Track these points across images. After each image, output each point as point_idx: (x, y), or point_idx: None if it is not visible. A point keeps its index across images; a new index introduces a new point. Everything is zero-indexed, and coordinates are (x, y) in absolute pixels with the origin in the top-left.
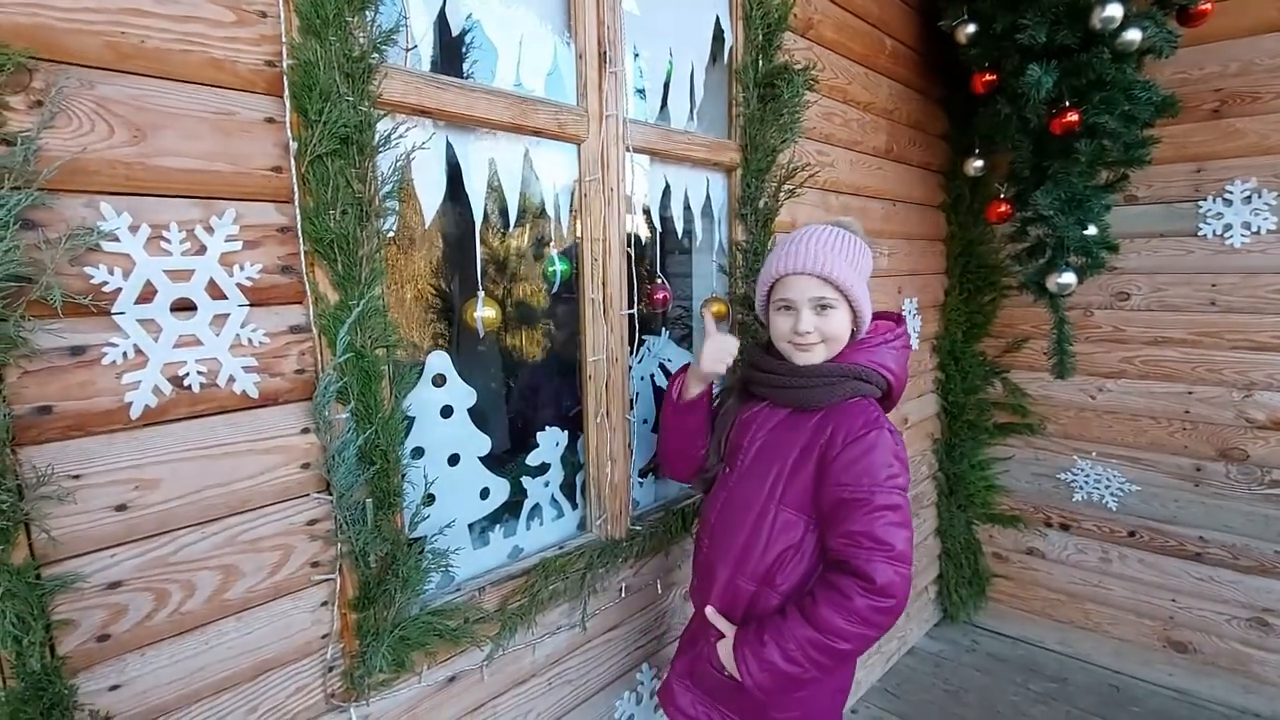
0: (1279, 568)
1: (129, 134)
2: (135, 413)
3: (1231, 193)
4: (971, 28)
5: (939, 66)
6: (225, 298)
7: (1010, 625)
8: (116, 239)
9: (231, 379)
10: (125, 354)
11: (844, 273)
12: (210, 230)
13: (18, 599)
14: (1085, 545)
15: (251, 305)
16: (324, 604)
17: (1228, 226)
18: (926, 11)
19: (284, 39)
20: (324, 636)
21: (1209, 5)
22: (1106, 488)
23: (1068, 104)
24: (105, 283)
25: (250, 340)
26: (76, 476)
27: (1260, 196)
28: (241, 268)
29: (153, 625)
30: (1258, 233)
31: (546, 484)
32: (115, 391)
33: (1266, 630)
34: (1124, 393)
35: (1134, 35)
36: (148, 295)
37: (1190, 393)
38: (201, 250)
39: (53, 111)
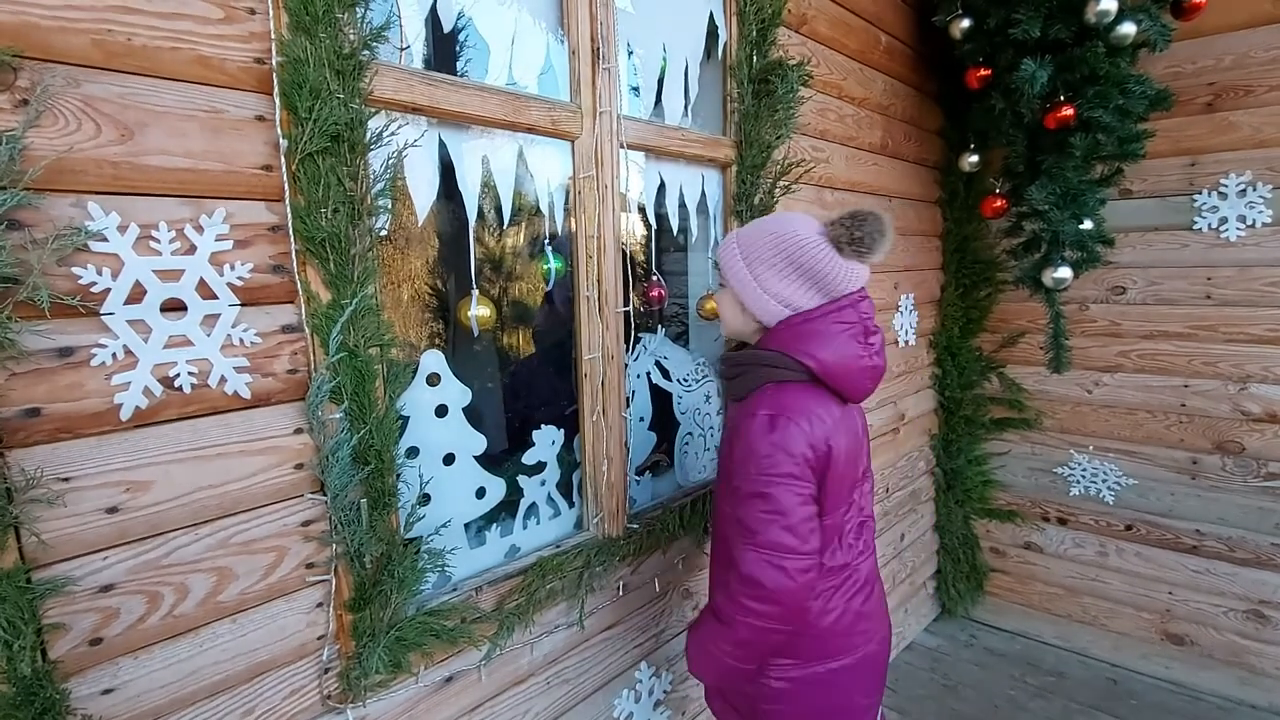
0: (1275, 560)
1: (116, 133)
2: (125, 414)
3: (1226, 186)
4: (966, 23)
5: (934, 62)
6: (216, 297)
7: (1008, 620)
8: (105, 239)
9: (223, 379)
10: (115, 355)
11: (725, 256)
12: (200, 229)
13: (7, 603)
14: (1082, 539)
15: (243, 305)
16: (319, 605)
17: (1223, 220)
18: (921, 7)
19: (273, 36)
20: (320, 638)
21: None
22: (1103, 481)
23: (1062, 98)
24: (94, 283)
25: (242, 340)
26: (66, 479)
27: (1255, 190)
28: (232, 267)
29: (146, 628)
30: (1253, 226)
31: (543, 483)
32: (105, 393)
33: (1263, 622)
34: (1120, 386)
35: (1128, 29)
36: (137, 295)
37: (1186, 386)
38: (191, 250)
39: (38, 110)
